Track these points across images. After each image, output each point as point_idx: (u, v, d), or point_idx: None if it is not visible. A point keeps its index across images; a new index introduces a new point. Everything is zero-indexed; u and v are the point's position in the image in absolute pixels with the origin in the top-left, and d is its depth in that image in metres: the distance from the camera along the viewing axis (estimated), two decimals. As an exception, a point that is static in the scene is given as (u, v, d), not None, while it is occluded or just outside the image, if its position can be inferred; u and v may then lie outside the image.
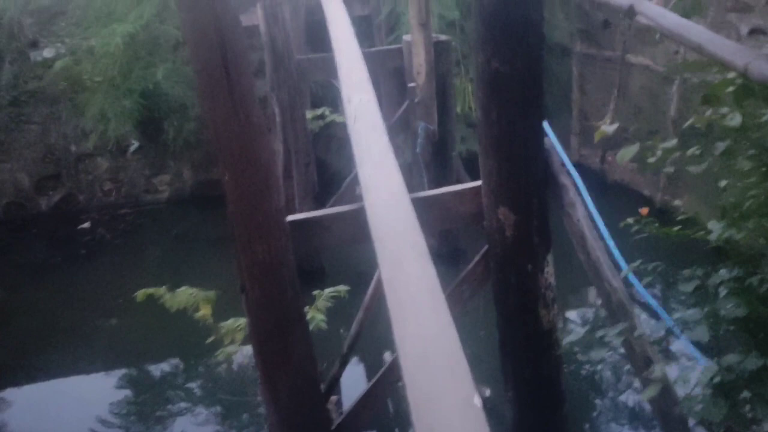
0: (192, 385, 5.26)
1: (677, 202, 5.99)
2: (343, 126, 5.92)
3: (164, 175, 7.81)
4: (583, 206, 2.66)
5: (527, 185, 2.79)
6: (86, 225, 7.35)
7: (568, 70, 7.71)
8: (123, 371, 5.34)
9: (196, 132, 7.44)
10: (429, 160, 5.35)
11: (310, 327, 3.13)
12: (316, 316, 3.10)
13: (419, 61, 4.89)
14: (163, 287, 2.88)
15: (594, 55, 7.39)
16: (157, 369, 5.43)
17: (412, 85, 5.03)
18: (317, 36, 6.85)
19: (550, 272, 2.95)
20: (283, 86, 5.13)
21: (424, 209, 3.03)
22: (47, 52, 7.69)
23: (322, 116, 6.53)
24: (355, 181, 5.54)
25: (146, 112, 7.09)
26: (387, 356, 5.26)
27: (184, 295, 2.81)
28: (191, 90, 6.82)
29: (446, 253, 5.93)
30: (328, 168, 7.75)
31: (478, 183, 3.03)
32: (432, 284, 2.15)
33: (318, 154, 7.91)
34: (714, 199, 6.03)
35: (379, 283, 2.42)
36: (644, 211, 2.15)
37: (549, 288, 2.94)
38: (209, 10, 2.28)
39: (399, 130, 5.61)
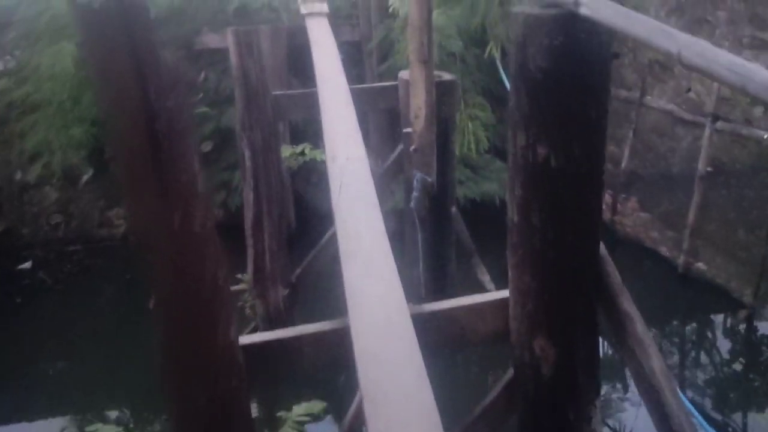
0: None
1: (700, 265, 5.31)
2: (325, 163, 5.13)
3: (120, 208, 6.91)
4: (658, 352, 1.91)
5: (575, 310, 2.05)
6: (27, 265, 6.41)
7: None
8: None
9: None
10: (424, 215, 4.58)
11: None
12: (279, 460, 2.30)
13: (418, 103, 4.13)
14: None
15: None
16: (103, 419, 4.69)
17: (407, 130, 4.27)
18: (300, 60, 6.10)
19: (597, 421, 2.21)
20: (255, 126, 4.33)
21: (430, 327, 2.27)
22: (-8, 68, 6.80)
23: (302, 153, 5.75)
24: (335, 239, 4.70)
25: (101, 138, 6.19)
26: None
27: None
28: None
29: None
30: (307, 204, 7.01)
31: (504, 294, 2.29)
32: None
33: (296, 188, 7.14)
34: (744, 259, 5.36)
35: (362, 406, 1.66)
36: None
37: (596, 442, 2.20)
38: (127, 46, 1.46)
39: (390, 177, 4.86)
